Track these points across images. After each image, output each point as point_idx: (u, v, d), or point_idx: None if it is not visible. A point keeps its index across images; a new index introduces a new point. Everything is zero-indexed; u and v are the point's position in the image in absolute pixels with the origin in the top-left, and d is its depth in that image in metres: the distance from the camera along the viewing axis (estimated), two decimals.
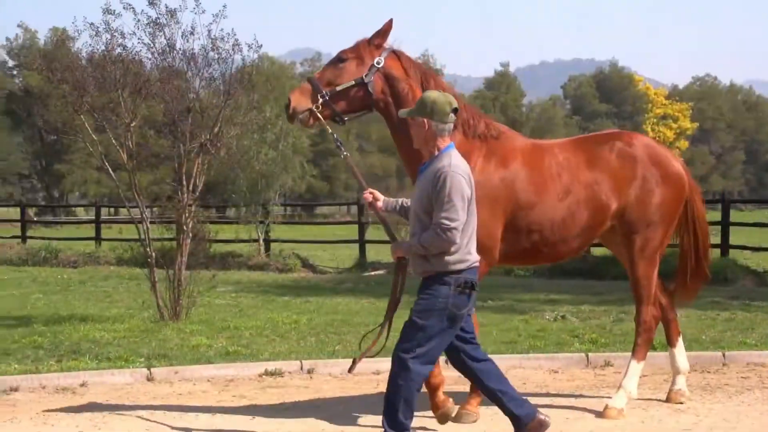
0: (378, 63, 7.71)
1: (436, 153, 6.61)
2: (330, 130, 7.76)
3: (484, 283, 8.05)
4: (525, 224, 7.82)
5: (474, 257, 6.63)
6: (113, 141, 13.49)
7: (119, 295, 17.20)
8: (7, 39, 79.03)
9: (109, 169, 13.88)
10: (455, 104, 6.72)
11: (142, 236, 13.86)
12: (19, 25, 78.45)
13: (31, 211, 41.05)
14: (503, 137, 8.00)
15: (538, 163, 7.98)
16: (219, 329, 12.45)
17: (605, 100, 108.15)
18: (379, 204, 7.00)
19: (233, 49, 13.54)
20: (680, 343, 8.59)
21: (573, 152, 8.15)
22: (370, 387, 9.18)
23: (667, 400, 8.44)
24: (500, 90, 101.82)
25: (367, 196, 7.01)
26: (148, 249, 13.64)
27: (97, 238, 29.78)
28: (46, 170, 74.45)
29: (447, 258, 6.47)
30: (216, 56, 13.50)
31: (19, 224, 32.94)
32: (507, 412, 6.75)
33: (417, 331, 6.50)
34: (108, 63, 13.12)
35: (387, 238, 7.37)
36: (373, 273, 22.29)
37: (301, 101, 7.60)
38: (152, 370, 9.64)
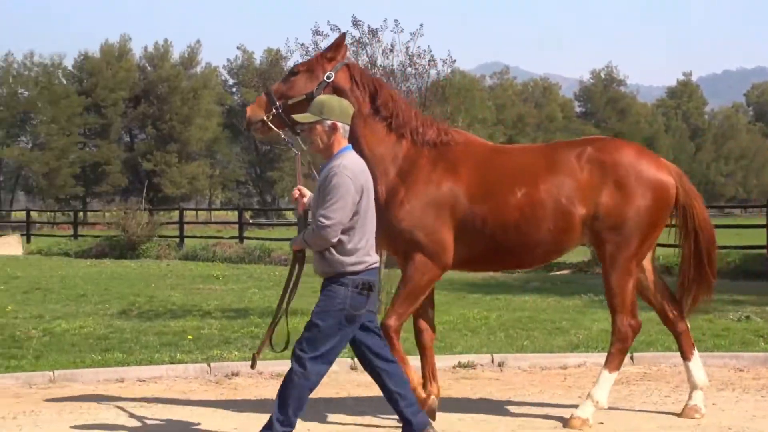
0: (329, 77, 7.36)
1: (334, 153, 6.37)
2: (282, 134, 7.50)
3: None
4: (476, 227, 7.25)
5: (372, 259, 6.34)
6: None
7: None
8: (228, 60, 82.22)
9: (316, 176, 14.19)
10: (352, 108, 6.61)
11: None
12: (238, 47, 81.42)
13: (247, 214, 42.44)
14: (455, 143, 7.49)
15: (489, 167, 7.42)
16: None
17: None
18: (304, 200, 6.76)
19: (429, 65, 13.65)
20: (695, 356, 7.64)
21: (534, 157, 7.59)
22: (558, 380, 9.05)
23: (682, 414, 7.53)
24: (682, 98, 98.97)
25: (295, 192, 6.82)
26: None
27: None
28: (260, 177, 77.03)
29: (344, 259, 6.20)
30: (413, 71, 13.61)
31: (237, 226, 34.08)
32: (402, 416, 6.52)
33: (316, 332, 6.22)
34: None
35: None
36: (558, 272, 22.01)
37: (256, 112, 7.42)
38: (355, 360, 9.78)
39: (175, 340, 11.11)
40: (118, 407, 7.89)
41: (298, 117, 6.56)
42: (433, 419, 7.05)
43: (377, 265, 6.40)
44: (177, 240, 31.30)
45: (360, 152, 7.20)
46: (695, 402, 7.50)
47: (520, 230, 7.24)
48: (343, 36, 7.64)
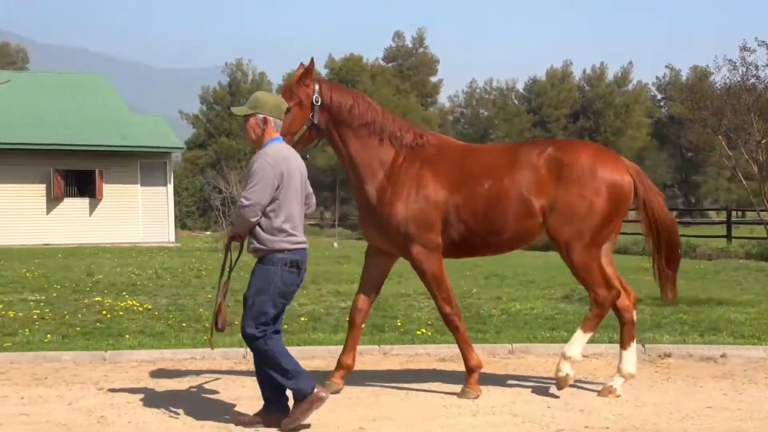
0: (317, 101, 7.17)
1: (264, 143, 6.16)
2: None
3: None
4: (451, 217, 7.20)
5: (299, 239, 6.10)
6: (745, 155, 13.01)
7: (748, 284, 16.41)
8: (657, 77, 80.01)
9: (742, 179, 13.41)
10: (286, 104, 6.42)
11: None
12: (666, 66, 78.88)
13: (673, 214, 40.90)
14: (431, 145, 7.40)
15: (460, 164, 7.32)
16: None
17: None
18: None
19: None
20: (632, 347, 7.40)
21: (500, 155, 7.49)
22: None
23: (599, 393, 7.30)
24: None
25: None
26: None
27: (728, 236, 28.76)
28: (685, 181, 73.87)
29: (271, 238, 5.99)
30: None
31: None
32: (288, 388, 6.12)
33: (256, 310, 5.98)
34: (743, 92, 12.73)
35: None
36: None
37: None
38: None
39: (612, 322, 10.98)
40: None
41: (235, 110, 6.34)
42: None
43: (305, 246, 6.17)
44: None
45: (349, 156, 7.33)
46: (612, 384, 7.30)
47: (487, 216, 7.19)
48: (312, 61, 7.30)
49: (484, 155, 7.56)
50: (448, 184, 7.23)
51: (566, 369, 7.20)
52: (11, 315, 11.50)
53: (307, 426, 6.12)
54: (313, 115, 7.18)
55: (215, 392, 7.37)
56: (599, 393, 7.31)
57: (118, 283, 15.59)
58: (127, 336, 9.93)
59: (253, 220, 5.99)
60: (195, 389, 7.48)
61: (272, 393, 6.17)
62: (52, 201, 32.06)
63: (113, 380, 7.78)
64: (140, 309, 12.12)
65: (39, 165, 31.71)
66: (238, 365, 8.58)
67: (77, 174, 32.54)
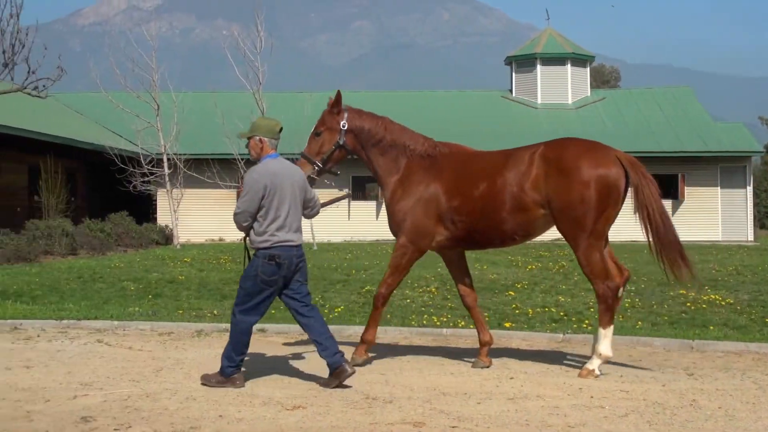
0: (344, 126, 7.55)
1: (261, 160, 6.57)
2: (327, 181, 8.02)
3: None
4: (455, 216, 7.36)
5: (279, 238, 6.39)
6: None
7: None
8: None
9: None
10: (279, 126, 6.69)
11: None
12: None
13: None
14: (442, 154, 7.58)
15: (465, 168, 7.45)
16: None
17: None
18: None
19: None
20: (609, 330, 7.11)
21: (497, 157, 7.42)
22: None
23: (579, 374, 7.11)
24: None
25: None
26: None
27: None
28: None
29: (256, 238, 6.42)
30: None
31: None
32: (321, 357, 6.54)
33: (241, 292, 6.50)
34: None
35: None
36: None
37: (304, 170, 7.24)
38: None
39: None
40: None
41: (238, 134, 6.97)
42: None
43: (292, 243, 6.45)
44: None
45: (374, 168, 7.66)
46: (591, 366, 7.15)
47: (485, 212, 7.24)
48: (339, 93, 7.64)
49: (485, 159, 7.54)
50: (451, 188, 7.38)
51: (595, 365, 7.13)
52: None
53: None
54: (340, 138, 7.58)
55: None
56: (579, 374, 7.13)
57: (699, 278, 15.15)
58: (711, 327, 9.66)
59: (244, 224, 6.50)
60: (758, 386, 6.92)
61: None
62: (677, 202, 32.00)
63: (702, 367, 7.60)
64: (722, 303, 11.69)
65: None
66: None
67: (660, 178, 32.11)
